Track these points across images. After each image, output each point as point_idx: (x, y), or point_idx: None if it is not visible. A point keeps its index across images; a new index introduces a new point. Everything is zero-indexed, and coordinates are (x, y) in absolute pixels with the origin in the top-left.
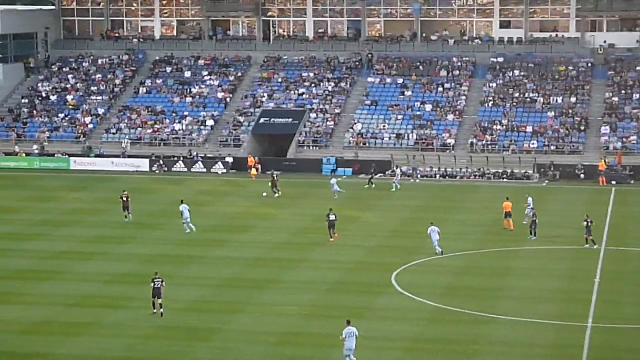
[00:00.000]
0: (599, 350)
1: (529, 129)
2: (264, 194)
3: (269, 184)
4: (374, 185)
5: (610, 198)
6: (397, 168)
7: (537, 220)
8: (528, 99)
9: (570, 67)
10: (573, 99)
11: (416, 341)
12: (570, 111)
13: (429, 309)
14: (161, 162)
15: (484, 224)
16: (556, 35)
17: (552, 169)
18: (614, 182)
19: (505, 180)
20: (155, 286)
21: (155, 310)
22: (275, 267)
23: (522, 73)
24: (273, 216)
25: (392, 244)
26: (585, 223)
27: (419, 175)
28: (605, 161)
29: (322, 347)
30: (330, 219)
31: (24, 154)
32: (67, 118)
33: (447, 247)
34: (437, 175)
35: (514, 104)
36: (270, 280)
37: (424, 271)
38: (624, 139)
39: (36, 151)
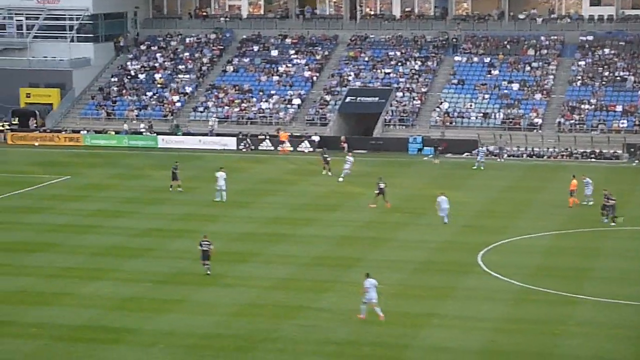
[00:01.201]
0: None
1: (619, 108)
2: (340, 179)
3: (322, 164)
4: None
5: None
6: (482, 147)
7: (613, 204)
8: (618, 78)
9: None
10: None
11: (504, 321)
12: None
13: (515, 289)
14: (248, 140)
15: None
16: None
17: None
18: None
19: (593, 160)
20: (203, 249)
21: (208, 272)
22: (363, 246)
23: (612, 51)
24: (360, 195)
25: (479, 224)
26: None
27: (505, 155)
28: None
29: (409, 327)
30: (380, 187)
31: (113, 132)
32: (155, 97)
33: (534, 227)
34: (524, 155)
35: (604, 83)
36: (358, 259)
37: (510, 251)
38: None
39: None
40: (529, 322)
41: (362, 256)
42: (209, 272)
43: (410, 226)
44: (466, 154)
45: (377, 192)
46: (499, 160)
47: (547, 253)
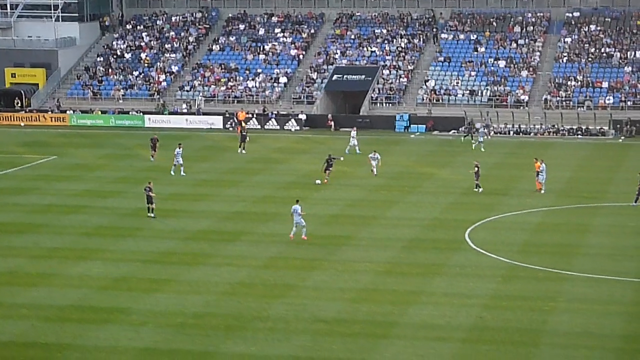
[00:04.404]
0: None
1: (605, 84)
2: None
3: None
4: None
5: None
6: (481, 127)
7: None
8: (604, 55)
9: None
10: None
11: (492, 298)
12: None
13: (504, 265)
14: (235, 119)
15: (558, 181)
16: None
17: (628, 125)
18: None
19: (580, 136)
20: (147, 194)
21: (152, 214)
22: (351, 224)
23: (598, 28)
24: (348, 173)
25: (467, 201)
26: None
27: (492, 132)
28: None
29: (398, 304)
30: (330, 162)
31: (99, 112)
32: (141, 76)
33: (522, 204)
34: (511, 132)
35: (590, 59)
36: (346, 237)
37: (498, 228)
38: None
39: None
40: (518, 299)
41: (351, 234)
42: (151, 215)
43: (399, 204)
44: (453, 131)
45: (326, 166)
46: (486, 137)
47: (535, 230)
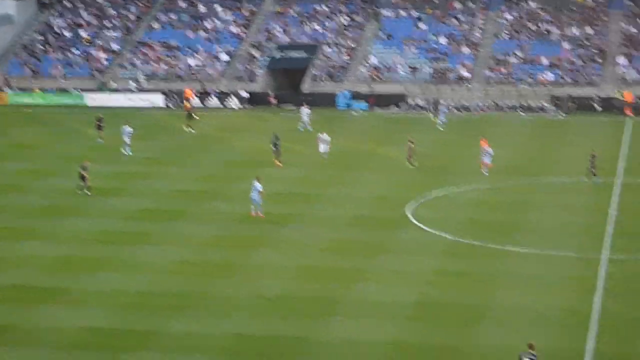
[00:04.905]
0: (614, 282)
1: (545, 61)
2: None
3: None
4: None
5: (628, 130)
6: (443, 106)
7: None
8: (544, 31)
9: None
10: (590, 30)
11: (436, 274)
12: (586, 42)
13: (447, 242)
14: (176, 97)
15: (500, 158)
16: None
17: (568, 101)
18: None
19: (521, 113)
20: (81, 172)
21: (87, 192)
22: (294, 203)
23: (538, 5)
24: (291, 151)
25: (410, 178)
26: (590, 157)
27: (446, 109)
28: (621, 94)
29: (342, 282)
30: (275, 143)
31: (38, 90)
32: (81, 54)
33: (464, 181)
34: (453, 109)
35: (530, 36)
36: (289, 216)
37: (441, 205)
38: None
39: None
40: (461, 275)
41: (295, 212)
42: (85, 192)
43: (342, 182)
44: (395, 108)
45: (274, 148)
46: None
47: (478, 206)
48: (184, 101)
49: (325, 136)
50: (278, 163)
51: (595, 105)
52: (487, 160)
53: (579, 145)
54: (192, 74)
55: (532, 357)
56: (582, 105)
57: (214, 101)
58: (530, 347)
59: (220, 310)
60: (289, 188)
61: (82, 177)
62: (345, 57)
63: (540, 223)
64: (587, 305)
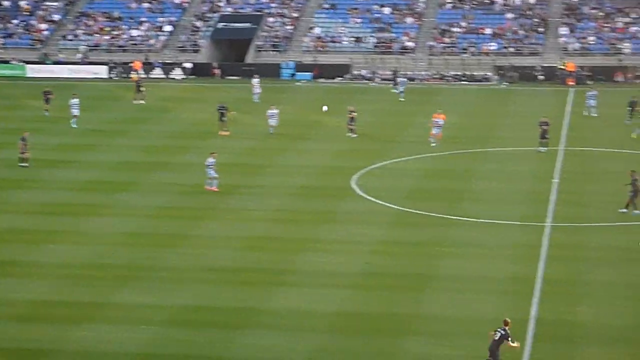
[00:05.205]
0: (558, 248)
1: (488, 31)
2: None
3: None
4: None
5: (570, 99)
6: (402, 77)
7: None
8: (487, 1)
9: None
10: (532, 0)
11: (382, 244)
12: (529, 12)
13: (392, 212)
14: (120, 68)
15: (446, 127)
16: None
17: (511, 71)
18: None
19: (465, 82)
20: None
21: (25, 164)
22: (241, 173)
23: None
24: (237, 121)
25: (355, 148)
26: (540, 126)
27: (404, 79)
28: (564, 64)
29: (288, 252)
30: (222, 111)
31: None
32: (21, 24)
33: (410, 150)
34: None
35: (473, 5)
36: (236, 186)
37: (386, 175)
38: (582, 40)
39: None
40: (406, 245)
41: (241, 183)
42: (24, 164)
43: (288, 152)
44: (338, 78)
45: (221, 117)
46: (372, 84)
47: (423, 176)
48: (132, 73)
49: (274, 110)
50: (223, 132)
51: (538, 74)
52: (436, 131)
53: (523, 114)
54: (135, 45)
55: (502, 332)
56: (525, 75)
57: (157, 72)
58: (505, 323)
59: (168, 282)
60: (236, 159)
61: (22, 149)
62: (289, 28)
63: (485, 192)
64: (531, 273)
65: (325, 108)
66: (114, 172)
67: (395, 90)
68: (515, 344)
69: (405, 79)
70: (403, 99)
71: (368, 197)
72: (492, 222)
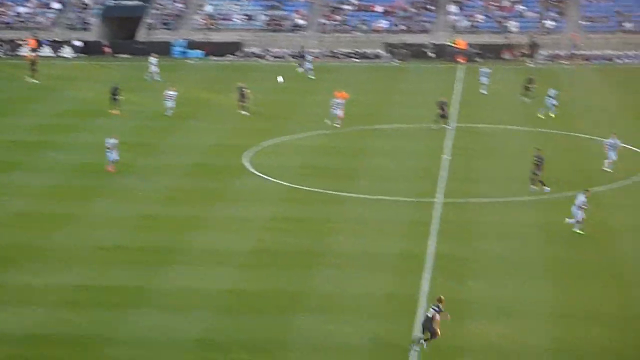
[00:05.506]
0: (448, 224)
1: (379, 8)
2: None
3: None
4: None
5: (460, 76)
6: (308, 54)
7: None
8: None
9: None
10: None
11: (273, 221)
12: None
13: (283, 189)
14: (8, 46)
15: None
16: None
17: (402, 48)
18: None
19: (356, 60)
20: None
21: None
22: (132, 152)
23: None
24: (129, 101)
25: (246, 126)
26: (439, 106)
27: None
28: (453, 41)
29: (179, 230)
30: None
31: None
32: None
33: (301, 128)
34: (289, 57)
35: None
36: (127, 165)
37: (278, 152)
38: (471, 18)
39: None
40: (297, 221)
41: (131, 162)
42: None
43: (179, 131)
44: (230, 56)
45: (113, 98)
46: (263, 61)
47: (315, 153)
48: (28, 51)
49: (172, 92)
50: (114, 111)
51: (429, 52)
52: (338, 112)
53: (414, 92)
54: (22, 22)
55: (436, 309)
56: (416, 52)
57: (46, 50)
58: (439, 300)
59: (57, 262)
60: (127, 138)
61: None
62: (180, 6)
63: (377, 169)
64: (421, 249)
65: (280, 79)
66: (2, 151)
67: (300, 69)
68: (448, 317)
69: (310, 57)
70: (313, 77)
71: (260, 175)
72: (383, 199)
